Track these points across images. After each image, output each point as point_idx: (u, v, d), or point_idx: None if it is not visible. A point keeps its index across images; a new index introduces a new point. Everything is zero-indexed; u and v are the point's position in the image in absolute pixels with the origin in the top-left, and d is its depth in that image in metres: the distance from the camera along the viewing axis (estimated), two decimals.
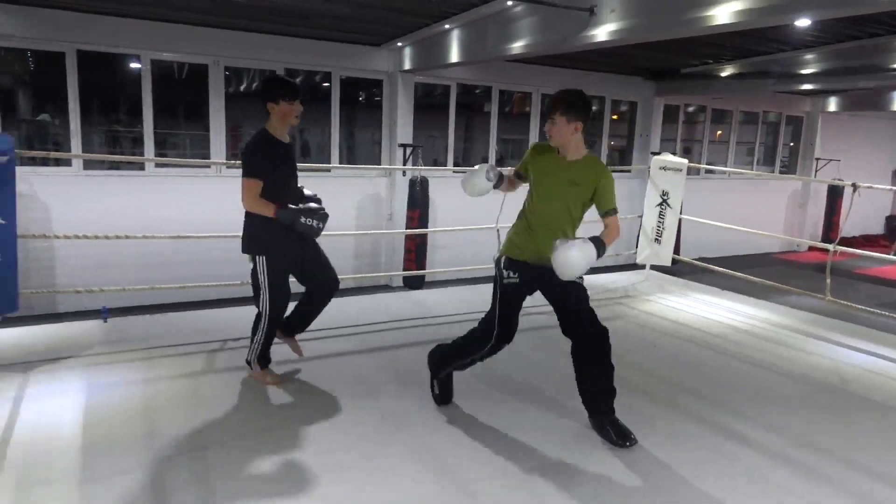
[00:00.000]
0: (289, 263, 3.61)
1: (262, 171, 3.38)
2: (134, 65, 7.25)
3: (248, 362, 3.76)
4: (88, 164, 7.13)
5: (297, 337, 3.97)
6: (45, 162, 6.97)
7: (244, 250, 3.56)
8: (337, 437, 3.19)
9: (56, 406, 3.37)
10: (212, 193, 7.26)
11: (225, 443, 3.09)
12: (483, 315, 3.33)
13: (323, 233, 3.57)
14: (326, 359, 4.23)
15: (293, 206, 3.45)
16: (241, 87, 8.28)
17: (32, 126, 7.51)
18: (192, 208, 7.19)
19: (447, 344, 3.48)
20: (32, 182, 6.62)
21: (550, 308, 3.25)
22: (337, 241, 7.53)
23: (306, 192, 3.66)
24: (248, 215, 3.51)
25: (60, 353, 4.06)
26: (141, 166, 7.33)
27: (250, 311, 5.20)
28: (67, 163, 7.04)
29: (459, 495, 2.74)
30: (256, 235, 3.50)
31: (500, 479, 2.88)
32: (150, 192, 7.20)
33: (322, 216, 3.53)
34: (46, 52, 6.89)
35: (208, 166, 7.63)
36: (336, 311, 5.20)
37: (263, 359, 3.74)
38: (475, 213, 6.09)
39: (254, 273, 3.55)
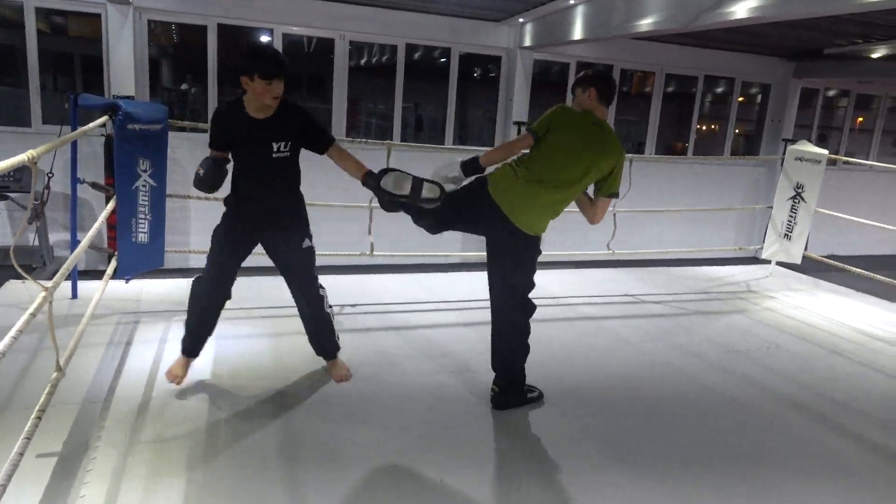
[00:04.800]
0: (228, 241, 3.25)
1: (213, 142, 3.18)
2: (266, 38, 7.63)
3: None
4: None
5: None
6: (181, 128, 7.50)
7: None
8: (442, 404, 3.27)
9: None
10: (331, 165, 7.55)
11: (343, 394, 3.28)
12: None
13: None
14: (430, 328, 4.34)
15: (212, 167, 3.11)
16: (362, 62, 8.50)
17: (174, 94, 8.11)
18: (314, 178, 7.52)
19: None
20: (174, 146, 7.16)
21: None
22: None
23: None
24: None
25: None
26: None
27: (367, 280, 5.47)
28: (204, 130, 7.54)
29: None
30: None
31: None
32: None
33: (203, 168, 3.08)
34: (190, 25, 7.38)
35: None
36: (439, 284, 5.34)
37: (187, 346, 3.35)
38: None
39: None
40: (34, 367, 3.32)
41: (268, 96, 2.94)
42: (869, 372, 4.16)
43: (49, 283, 2.48)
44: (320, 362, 3.63)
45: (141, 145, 4.02)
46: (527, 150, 3.18)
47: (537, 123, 3.12)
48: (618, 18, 6.21)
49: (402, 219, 3.26)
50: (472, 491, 2.59)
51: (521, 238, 3.08)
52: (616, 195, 3.18)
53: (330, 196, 5.81)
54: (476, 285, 5.31)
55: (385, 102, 8.49)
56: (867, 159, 10.61)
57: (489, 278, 3.22)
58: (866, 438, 3.26)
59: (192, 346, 3.34)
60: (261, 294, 4.81)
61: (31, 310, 2.30)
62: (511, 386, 3.29)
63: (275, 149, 3.08)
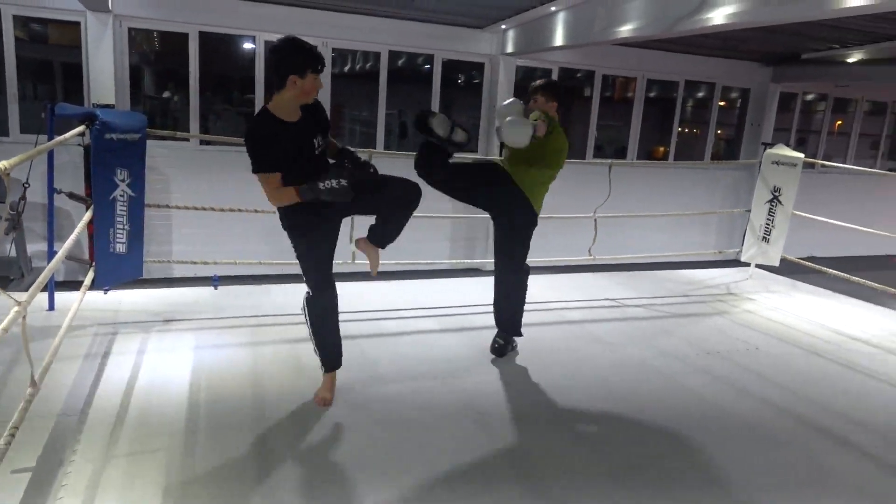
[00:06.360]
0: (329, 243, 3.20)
1: (276, 163, 2.87)
2: (248, 45, 7.62)
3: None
4: (205, 139, 7.57)
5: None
6: (163, 137, 7.45)
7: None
8: (425, 412, 3.27)
9: (170, 363, 3.66)
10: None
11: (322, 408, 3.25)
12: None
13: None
14: (412, 335, 4.33)
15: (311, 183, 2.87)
16: (346, 69, 8.51)
17: (155, 102, 8.06)
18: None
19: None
20: (154, 155, 7.12)
21: None
22: (434, 224, 7.64)
23: (341, 148, 3.16)
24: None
25: (175, 315, 4.38)
26: None
27: (349, 287, 5.43)
28: (185, 139, 7.51)
29: None
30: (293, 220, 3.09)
31: None
32: None
33: (343, 173, 2.86)
34: (171, 32, 7.35)
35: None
36: (423, 292, 5.34)
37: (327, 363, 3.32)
38: (570, 199, 6.02)
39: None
40: (10, 380, 3.28)
41: (315, 90, 2.87)
42: (847, 372, 4.21)
43: (23, 297, 2.46)
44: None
45: (119, 155, 4.00)
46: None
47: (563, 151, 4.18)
48: (599, 25, 6.27)
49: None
50: (459, 499, 2.59)
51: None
52: None
53: None
54: (459, 293, 5.35)
55: (369, 109, 8.50)
56: (845, 162, 10.76)
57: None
58: (845, 438, 3.30)
59: (335, 359, 3.34)
60: (240, 303, 4.79)
61: (3, 325, 2.27)
62: (510, 336, 4.06)
63: (316, 146, 3.00)
